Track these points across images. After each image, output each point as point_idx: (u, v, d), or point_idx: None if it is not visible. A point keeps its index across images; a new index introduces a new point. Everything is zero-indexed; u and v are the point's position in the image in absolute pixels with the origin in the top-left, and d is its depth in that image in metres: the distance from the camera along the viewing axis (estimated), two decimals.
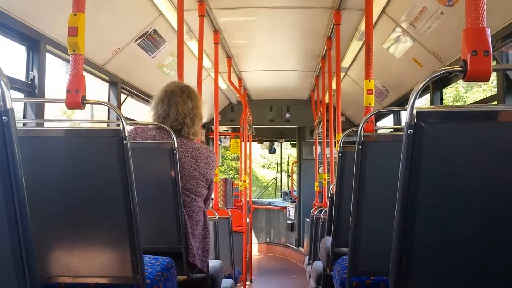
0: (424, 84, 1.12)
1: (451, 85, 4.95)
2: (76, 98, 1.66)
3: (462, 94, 14.65)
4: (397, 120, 5.86)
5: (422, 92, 1.14)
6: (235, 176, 18.23)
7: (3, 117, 0.99)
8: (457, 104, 14.38)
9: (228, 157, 18.43)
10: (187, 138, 2.35)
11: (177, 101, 2.32)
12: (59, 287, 1.66)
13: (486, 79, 1.16)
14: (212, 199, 4.13)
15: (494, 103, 3.39)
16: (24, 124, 2.85)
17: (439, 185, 1.14)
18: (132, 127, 2.37)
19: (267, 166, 21.85)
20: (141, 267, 1.62)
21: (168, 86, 2.40)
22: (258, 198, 12.69)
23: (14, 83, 2.92)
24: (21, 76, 3.03)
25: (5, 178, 1.00)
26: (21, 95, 3.01)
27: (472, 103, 5.39)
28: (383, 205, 1.87)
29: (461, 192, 1.14)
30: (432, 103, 4.23)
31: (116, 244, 1.64)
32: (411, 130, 1.10)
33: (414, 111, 1.10)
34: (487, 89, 12.19)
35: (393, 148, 1.80)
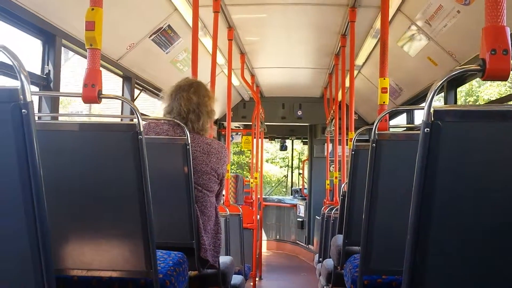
0: (442, 82, 1.11)
1: None
2: (92, 92, 1.68)
3: (475, 88, 14.51)
4: (411, 119, 5.81)
5: (438, 91, 1.13)
6: (237, 170, 18.26)
7: (23, 110, 1.00)
8: (470, 99, 14.25)
9: (231, 151, 18.31)
10: (197, 134, 2.35)
11: (181, 96, 2.33)
12: (73, 280, 1.67)
13: (505, 78, 1.15)
14: (223, 195, 4.14)
15: (510, 102, 3.34)
16: (39, 118, 2.88)
17: (455, 184, 1.12)
18: (145, 122, 2.38)
19: (271, 161, 21.45)
20: (154, 262, 1.62)
21: (179, 82, 2.42)
22: (268, 195, 12.69)
23: (29, 77, 2.94)
24: (37, 70, 3.06)
25: (23, 170, 1.01)
26: (36, 89, 3.04)
27: (487, 103, 5.32)
28: (396, 204, 1.86)
29: (478, 192, 1.12)
30: (446, 102, 4.19)
31: (129, 238, 1.65)
32: (428, 129, 1.09)
33: (432, 109, 1.08)
34: (501, 83, 12.04)
35: (407, 147, 1.79)
